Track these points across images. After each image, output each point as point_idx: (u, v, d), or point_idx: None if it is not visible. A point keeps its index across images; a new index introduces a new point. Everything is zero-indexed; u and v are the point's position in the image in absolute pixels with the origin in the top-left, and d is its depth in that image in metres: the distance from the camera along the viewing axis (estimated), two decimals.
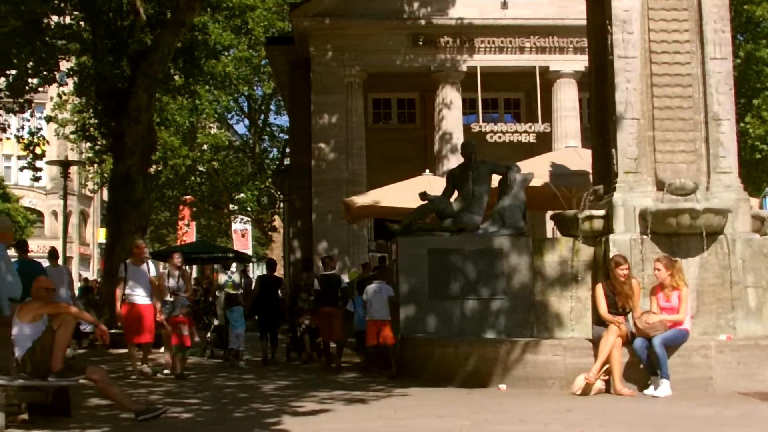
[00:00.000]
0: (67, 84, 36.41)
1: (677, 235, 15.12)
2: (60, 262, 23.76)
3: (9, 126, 32.01)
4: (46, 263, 19.60)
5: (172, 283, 17.16)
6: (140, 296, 16.65)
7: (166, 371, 16.76)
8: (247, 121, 58.53)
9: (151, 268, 17.20)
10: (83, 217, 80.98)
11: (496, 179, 17.20)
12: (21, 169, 38.43)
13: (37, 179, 36.72)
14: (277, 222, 55.22)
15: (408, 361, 15.78)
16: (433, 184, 21.46)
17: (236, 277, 22.31)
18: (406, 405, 12.22)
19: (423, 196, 17.40)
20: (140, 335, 16.67)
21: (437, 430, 10.22)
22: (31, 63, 29.29)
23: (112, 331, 14.73)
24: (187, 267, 25.66)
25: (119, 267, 17.45)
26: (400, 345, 16.15)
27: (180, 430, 10.15)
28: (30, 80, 30.63)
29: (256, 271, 66.40)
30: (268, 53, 40.62)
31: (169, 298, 16.96)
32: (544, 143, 32.05)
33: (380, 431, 10.20)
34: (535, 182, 18.23)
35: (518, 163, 17.94)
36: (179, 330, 16.60)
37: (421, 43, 32.99)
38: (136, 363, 16.52)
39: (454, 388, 13.73)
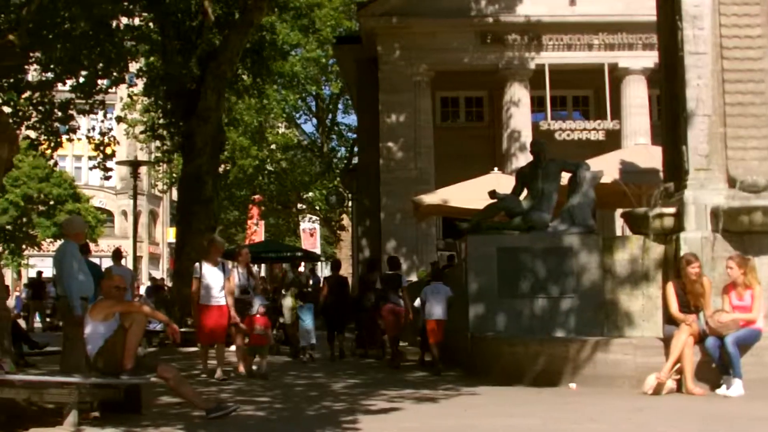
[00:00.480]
0: (136, 84, 36.82)
1: (749, 233, 14.94)
2: (124, 262, 24.09)
3: (79, 127, 32.37)
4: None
5: (242, 281, 16.97)
6: (215, 296, 16.23)
7: (241, 371, 16.49)
8: (315, 121, 58.76)
9: (226, 268, 16.71)
10: (153, 216, 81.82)
11: (565, 177, 17.12)
12: (91, 169, 38.83)
13: (107, 178, 37.14)
14: (346, 221, 55.43)
15: (477, 359, 15.76)
16: (502, 182, 21.40)
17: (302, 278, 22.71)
18: (475, 404, 12.21)
19: (492, 194, 17.35)
20: (213, 336, 16.35)
21: (507, 429, 10.17)
22: (100, 64, 29.60)
23: (182, 329, 14.80)
24: (255, 266, 25.74)
25: (194, 266, 16.98)
26: (470, 344, 16.14)
27: (252, 428, 10.19)
28: (100, 81, 30.97)
29: (324, 270, 66.66)
30: (335, 52, 40.74)
31: (240, 296, 16.62)
32: (613, 141, 31.81)
33: (450, 430, 10.18)
34: (605, 180, 18.08)
35: (587, 161, 17.81)
36: (257, 330, 16.27)
37: (488, 40, 32.93)
38: (207, 363, 16.31)
39: (523, 387, 13.68)
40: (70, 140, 32.36)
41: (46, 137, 31.53)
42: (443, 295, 17.63)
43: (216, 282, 16.23)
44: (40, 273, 41.70)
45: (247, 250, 18.48)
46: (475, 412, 11.39)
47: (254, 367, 16.35)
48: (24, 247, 59.85)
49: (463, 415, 11.19)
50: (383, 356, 20.56)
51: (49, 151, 32.44)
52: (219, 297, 16.20)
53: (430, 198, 25.50)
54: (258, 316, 16.40)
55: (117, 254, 23.86)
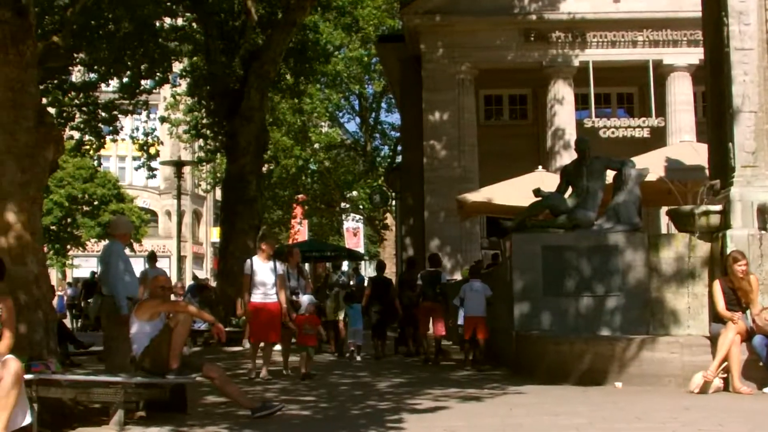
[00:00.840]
0: (180, 85, 37.02)
1: None
2: (168, 262, 24.40)
3: (123, 127, 32.61)
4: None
5: (292, 282, 16.88)
6: (267, 294, 15.92)
7: (287, 371, 16.43)
8: (358, 119, 58.80)
9: (278, 265, 16.31)
10: (196, 216, 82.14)
11: (610, 175, 17.02)
12: (136, 169, 39.12)
13: (152, 177, 37.38)
14: (389, 220, 55.43)
15: (522, 358, 15.71)
16: (546, 180, 21.31)
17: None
18: (521, 403, 12.15)
19: (537, 192, 17.29)
20: (265, 335, 15.99)
21: (554, 428, 10.11)
22: (144, 65, 29.82)
23: (227, 329, 14.78)
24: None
25: (245, 263, 16.58)
26: (515, 342, 16.09)
27: (297, 428, 10.21)
28: (143, 82, 31.19)
29: (368, 269, 66.70)
30: (378, 51, 40.75)
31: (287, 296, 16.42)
32: (658, 138, 31.61)
33: (496, 429, 10.13)
34: (650, 177, 17.94)
35: (632, 159, 17.69)
36: (305, 329, 15.93)
37: (532, 38, 32.79)
38: (256, 362, 15.96)
39: (569, 386, 13.60)
40: (114, 141, 32.57)
41: (90, 138, 31.79)
42: (482, 293, 18.16)
43: (268, 279, 15.92)
44: (93, 273, 42.08)
45: (297, 250, 18.49)
46: (521, 411, 11.34)
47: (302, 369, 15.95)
48: (68, 247, 60.31)
49: (509, 414, 11.14)
50: (420, 353, 20.91)
51: (92, 152, 32.65)
52: (271, 294, 15.91)
53: (475, 196, 25.45)
54: (308, 315, 16.22)
55: (152, 256, 24.82)
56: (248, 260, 16.49)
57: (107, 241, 13.90)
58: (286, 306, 16.17)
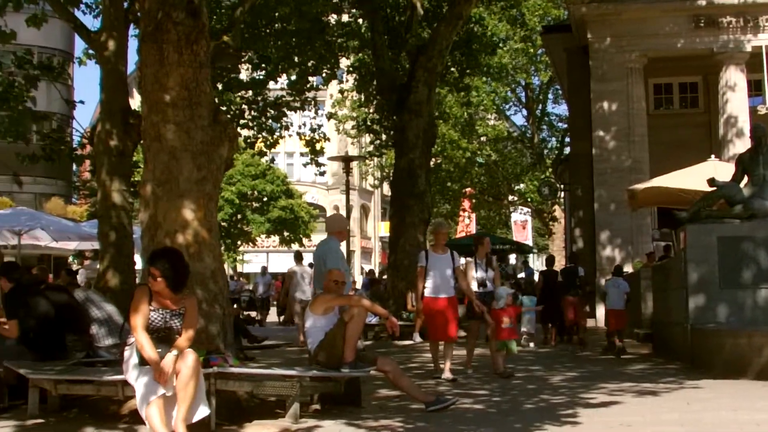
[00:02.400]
0: (347, 81, 37.41)
1: None
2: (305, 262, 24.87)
3: (292, 123, 33.11)
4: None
5: (480, 273, 15.94)
6: (443, 288, 14.89)
7: (469, 369, 15.78)
8: (524, 111, 58.48)
9: (455, 257, 15.20)
10: (364, 211, 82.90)
11: None
12: (304, 165, 39.67)
13: (322, 174, 37.89)
14: (558, 212, 55.00)
15: (698, 352, 15.39)
16: (719, 169, 20.77)
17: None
18: (698, 397, 11.89)
19: (711, 182, 16.91)
20: (443, 334, 14.82)
21: (733, 424, 9.85)
22: (311, 62, 30.25)
23: (399, 323, 14.74)
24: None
25: (419, 254, 15.78)
26: (690, 336, 15.76)
27: (470, 421, 10.17)
28: (311, 78, 31.62)
29: (536, 262, 66.28)
30: (544, 42, 40.39)
31: (477, 288, 15.63)
32: None
33: (673, 424, 9.92)
34: None
35: None
36: (505, 323, 14.99)
37: (702, 24, 31.95)
38: (439, 363, 14.91)
39: (747, 381, 13.30)
40: (281, 137, 33.10)
41: (260, 135, 32.40)
42: (621, 289, 20.24)
43: (444, 271, 14.95)
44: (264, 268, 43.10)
45: (488, 240, 17.41)
46: (699, 407, 11.10)
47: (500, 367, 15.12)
48: (239, 243, 61.63)
49: (687, 409, 10.92)
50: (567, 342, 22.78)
51: (264, 148, 33.23)
52: (448, 288, 14.99)
53: (646, 187, 25.00)
54: (506, 307, 15.20)
55: (298, 255, 26.25)
56: (423, 251, 15.92)
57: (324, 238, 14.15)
58: (473, 298, 15.28)
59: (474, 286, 15.65)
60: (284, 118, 32.24)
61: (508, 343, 14.99)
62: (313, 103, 33.25)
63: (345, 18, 31.60)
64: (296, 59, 29.77)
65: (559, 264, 29.89)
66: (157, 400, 8.48)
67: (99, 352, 12.45)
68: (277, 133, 32.49)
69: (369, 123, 36.45)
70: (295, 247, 64.89)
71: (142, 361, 8.77)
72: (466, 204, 59.29)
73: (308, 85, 31.58)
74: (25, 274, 12.41)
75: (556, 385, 13.61)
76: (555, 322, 23.16)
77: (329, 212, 77.81)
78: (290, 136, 34.17)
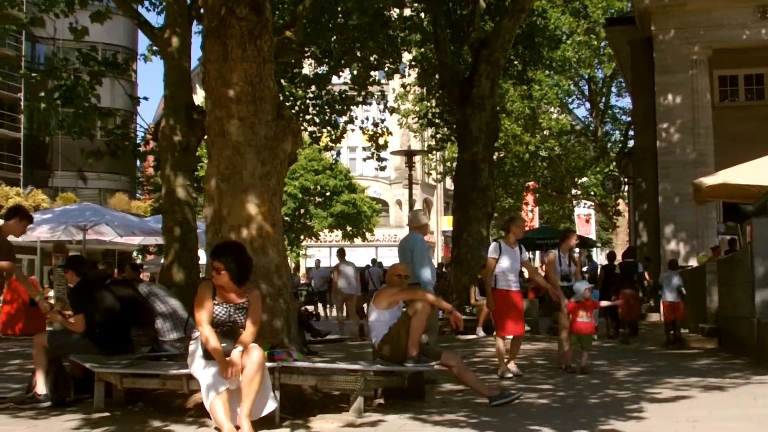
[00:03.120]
0: (409, 75, 37.41)
1: None
2: (391, 254, 25.23)
3: (356, 117, 33.15)
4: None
5: (563, 267, 15.73)
6: (515, 281, 14.57)
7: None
8: (588, 105, 58.13)
9: (522, 251, 14.90)
10: (427, 205, 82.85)
11: None
12: (365, 159, 39.79)
13: (382, 169, 37.96)
14: (622, 206, 54.60)
15: (765, 346, 15.18)
16: None
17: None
18: (765, 393, 11.72)
19: None
20: (513, 327, 14.50)
21: None
22: (373, 56, 30.28)
23: (463, 317, 14.56)
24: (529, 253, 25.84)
25: (491, 246, 15.04)
26: (757, 330, 15.56)
27: (535, 416, 10.11)
28: (373, 72, 31.65)
29: (599, 256, 65.90)
30: (607, 34, 40.12)
31: (561, 282, 15.40)
32: None
33: (740, 420, 9.79)
34: None
35: None
36: (582, 316, 14.71)
37: None
38: (504, 359, 14.49)
39: None
40: (345, 132, 33.14)
41: (324, 129, 32.50)
42: (675, 283, 21.35)
43: (514, 264, 14.64)
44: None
45: (574, 233, 17.36)
46: (766, 402, 10.96)
47: (573, 364, 14.79)
48: (302, 237, 61.89)
49: (754, 405, 10.79)
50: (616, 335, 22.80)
51: (330, 143, 33.28)
52: (518, 281, 14.69)
53: (711, 180, 24.67)
54: (583, 300, 14.87)
55: (341, 253, 27.52)
56: (494, 243, 15.12)
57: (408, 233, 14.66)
58: (557, 287, 15.15)
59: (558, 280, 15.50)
60: (346, 113, 32.31)
61: (582, 338, 14.73)
62: (381, 95, 33.36)
63: (407, 12, 31.59)
64: (358, 54, 29.81)
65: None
66: (221, 393, 8.54)
67: (164, 347, 12.55)
68: (341, 127, 32.53)
69: (431, 117, 36.45)
70: (358, 241, 65.17)
71: (207, 355, 8.84)
72: (530, 198, 59.12)
73: (371, 80, 31.63)
74: (92, 268, 12.53)
75: (620, 380, 13.50)
76: (608, 316, 23.60)
77: (392, 207, 78.10)
78: (353, 130, 34.18)
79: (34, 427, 9.63)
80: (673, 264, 23.49)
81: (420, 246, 13.77)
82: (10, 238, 11.83)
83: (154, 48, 22.85)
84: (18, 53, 42.82)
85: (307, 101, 31.50)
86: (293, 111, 30.39)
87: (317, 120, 31.97)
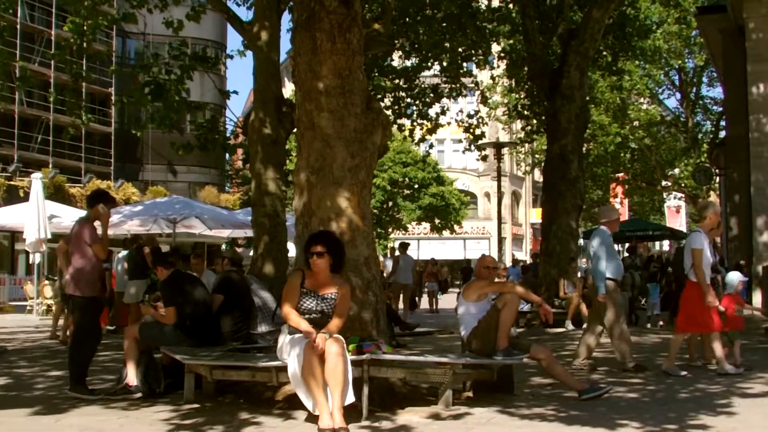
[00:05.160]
0: (498, 66, 37.26)
1: None
2: (488, 243, 25.19)
3: (448, 109, 33.06)
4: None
5: (711, 257, 14.38)
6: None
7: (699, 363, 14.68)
8: (678, 95, 57.38)
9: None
10: (515, 197, 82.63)
11: None
12: (463, 151, 39.75)
13: (483, 158, 38.03)
14: (713, 197, 53.85)
15: None
16: None
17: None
18: None
19: None
20: (719, 321, 13.65)
21: None
22: (463, 48, 30.18)
23: (552, 310, 14.49)
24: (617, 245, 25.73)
25: (697, 236, 13.98)
26: None
27: (624, 410, 10.02)
28: (464, 64, 31.54)
29: None
30: (699, 23, 39.51)
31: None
32: None
33: None
34: None
35: None
36: (737, 310, 14.32)
37: None
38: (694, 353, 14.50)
39: None
40: (440, 124, 32.94)
41: (417, 122, 32.48)
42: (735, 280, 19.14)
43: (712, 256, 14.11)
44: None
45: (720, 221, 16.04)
46: None
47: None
48: (390, 230, 61.99)
49: None
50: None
51: (426, 134, 33.17)
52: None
53: None
54: (735, 294, 14.50)
55: (403, 246, 29.22)
56: (697, 233, 14.19)
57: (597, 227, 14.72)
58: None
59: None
60: (440, 104, 32.28)
61: (733, 334, 14.30)
62: (476, 86, 33.30)
63: (495, 2, 31.44)
64: (447, 45, 29.74)
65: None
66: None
67: (254, 338, 12.67)
68: (434, 120, 32.43)
69: (520, 108, 36.29)
70: (446, 234, 65.13)
71: (294, 331, 8.98)
72: (619, 190, 58.62)
73: (462, 71, 31.53)
74: (179, 261, 12.63)
75: (711, 374, 13.33)
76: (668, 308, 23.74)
77: (480, 199, 78.06)
78: (448, 123, 34.00)
79: (126, 418, 9.79)
80: (739, 267, 23.07)
81: (606, 241, 13.98)
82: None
83: (245, 42, 23.07)
84: (109, 48, 43.72)
85: (401, 93, 31.51)
86: (387, 104, 30.50)
87: (408, 112, 31.97)
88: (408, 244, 30.34)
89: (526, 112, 35.45)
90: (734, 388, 11.61)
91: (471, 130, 33.58)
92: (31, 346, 19.36)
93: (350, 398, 8.86)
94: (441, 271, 46.00)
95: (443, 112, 32.18)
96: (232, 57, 25.31)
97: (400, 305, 28.50)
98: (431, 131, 32.34)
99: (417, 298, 38.43)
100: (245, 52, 24.64)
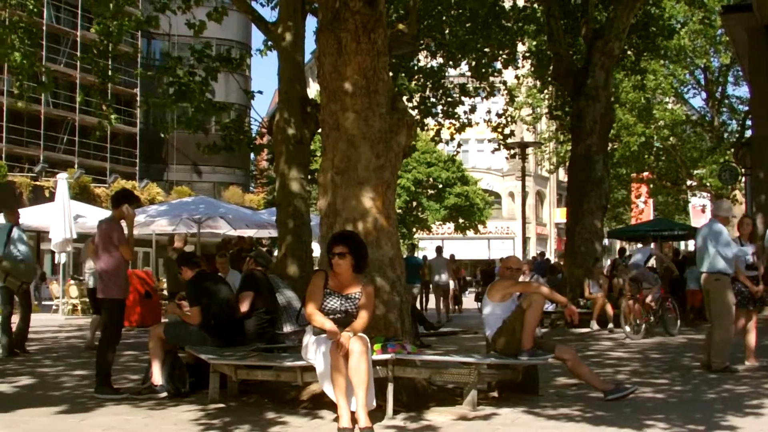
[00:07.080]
0: (523, 66, 37.20)
1: None
2: (513, 243, 25.37)
3: (476, 109, 32.98)
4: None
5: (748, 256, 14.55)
6: None
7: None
8: (703, 94, 57.14)
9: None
10: (539, 197, 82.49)
11: None
12: (493, 151, 39.73)
13: (513, 156, 38.06)
14: (738, 196, 53.60)
15: None
16: None
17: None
18: None
19: None
20: None
21: None
22: (486, 48, 30.13)
23: (579, 310, 14.44)
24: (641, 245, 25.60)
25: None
26: None
27: (650, 411, 9.98)
28: (490, 64, 31.49)
29: None
30: (724, 22, 39.30)
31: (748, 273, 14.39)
32: None
33: None
34: None
35: None
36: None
37: None
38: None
39: None
40: (469, 124, 32.80)
41: (444, 122, 32.43)
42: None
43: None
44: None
45: (750, 220, 16.24)
46: None
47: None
48: (414, 230, 61.98)
49: None
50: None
51: (455, 132, 33.06)
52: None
53: None
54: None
55: (439, 249, 30.66)
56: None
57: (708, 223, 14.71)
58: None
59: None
60: (469, 103, 32.25)
61: None
62: (504, 84, 33.23)
63: (521, 2, 31.41)
64: (473, 46, 29.71)
65: None
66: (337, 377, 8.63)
67: (279, 339, 12.69)
68: (462, 120, 32.30)
69: (545, 109, 36.25)
70: (471, 234, 65.07)
71: (318, 332, 8.99)
72: (643, 189, 58.42)
73: (490, 70, 31.46)
74: (203, 262, 12.65)
75: (739, 375, 13.24)
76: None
77: (504, 199, 77.99)
78: (477, 123, 33.89)
79: (151, 418, 9.82)
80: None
81: (719, 235, 13.85)
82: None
83: (269, 43, 23.11)
84: (134, 49, 43.94)
85: (428, 93, 31.47)
86: (409, 104, 30.47)
87: (433, 111, 31.92)
88: (442, 248, 31.59)
89: (557, 112, 35.40)
90: (762, 389, 11.57)
91: (500, 130, 33.55)
92: (56, 346, 19.44)
93: (372, 403, 8.85)
94: (459, 270, 45.42)
95: (473, 111, 32.09)
96: (252, 55, 25.32)
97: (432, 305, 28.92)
98: (459, 130, 32.21)
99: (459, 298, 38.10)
100: (267, 51, 24.71)
